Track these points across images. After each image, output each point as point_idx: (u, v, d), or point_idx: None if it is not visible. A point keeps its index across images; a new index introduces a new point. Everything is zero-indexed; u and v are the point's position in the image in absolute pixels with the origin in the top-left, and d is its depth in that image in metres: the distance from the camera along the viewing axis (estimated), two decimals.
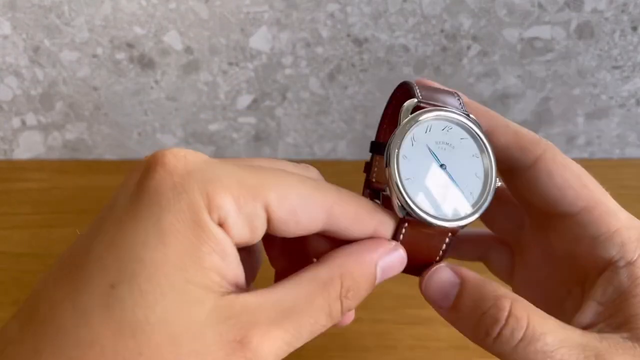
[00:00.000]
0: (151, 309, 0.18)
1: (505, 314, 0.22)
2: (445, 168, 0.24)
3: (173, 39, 0.50)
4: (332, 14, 0.48)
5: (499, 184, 0.24)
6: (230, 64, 0.51)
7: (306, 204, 0.21)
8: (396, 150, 0.24)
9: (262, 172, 0.21)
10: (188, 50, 0.50)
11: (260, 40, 0.50)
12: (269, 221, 0.21)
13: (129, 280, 0.18)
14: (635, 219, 0.25)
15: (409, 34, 0.49)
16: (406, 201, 0.23)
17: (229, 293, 0.20)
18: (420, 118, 0.24)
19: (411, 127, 0.24)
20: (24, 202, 0.53)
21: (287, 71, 0.52)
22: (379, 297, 0.44)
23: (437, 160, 0.24)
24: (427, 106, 0.25)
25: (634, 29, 0.49)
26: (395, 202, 0.24)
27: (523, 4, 0.48)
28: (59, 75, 0.52)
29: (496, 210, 0.28)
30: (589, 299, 0.24)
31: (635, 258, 0.23)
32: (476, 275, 0.24)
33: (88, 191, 0.54)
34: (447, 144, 0.24)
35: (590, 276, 0.25)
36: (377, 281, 0.23)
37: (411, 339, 0.42)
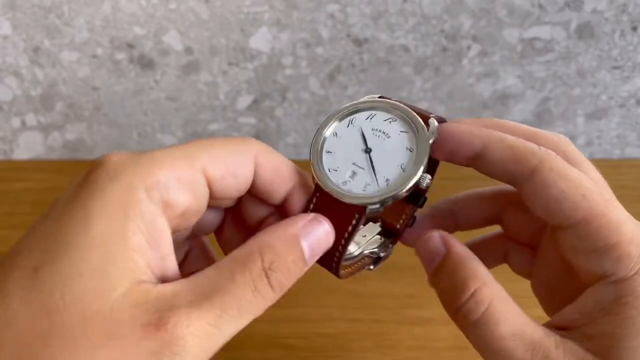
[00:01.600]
0: (68, 289, 0.18)
1: (467, 295, 0.23)
2: (369, 152, 0.25)
3: (173, 39, 0.50)
4: (332, 14, 0.49)
5: (427, 181, 0.24)
6: (230, 64, 0.51)
7: (236, 157, 0.23)
8: (329, 126, 0.25)
9: (191, 144, 0.22)
10: (188, 50, 0.50)
11: (260, 40, 0.50)
12: (209, 184, 0.22)
13: (50, 263, 0.19)
14: None
15: (409, 34, 0.49)
16: (318, 168, 0.25)
17: (149, 281, 0.20)
18: (369, 103, 0.26)
19: (355, 110, 0.26)
20: (23, 202, 0.53)
21: (287, 71, 0.52)
22: (379, 297, 0.44)
23: (365, 144, 0.25)
24: (388, 98, 0.26)
25: (634, 29, 0.49)
26: (311, 169, 0.25)
27: (523, 4, 0.48)
28: (58, 76, 0.52)
29: (516, 214, 0.29)
30: (570, 306, 0.24)
31: (627, 276, 0.23)
32: (463, 250, 0.25)
33: None
34: (383, 132, 0.25)
35: (586, 287, 0.25)
36: (308, 256, 0.23)
37: (411, 339, 0.42)
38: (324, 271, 0.26)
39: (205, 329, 0.19)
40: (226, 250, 0.28)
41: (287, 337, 0.42)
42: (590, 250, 0.23)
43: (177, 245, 0.25)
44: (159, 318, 0.19)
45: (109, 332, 0.18)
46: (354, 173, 0.25)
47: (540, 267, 0.29)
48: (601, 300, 0.23)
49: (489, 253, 0.30)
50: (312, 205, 0.25)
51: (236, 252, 0.22)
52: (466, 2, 0.48)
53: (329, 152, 0.25)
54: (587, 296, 0.24)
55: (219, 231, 0.28)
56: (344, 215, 0.25)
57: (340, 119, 0.26)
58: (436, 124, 0.25)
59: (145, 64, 0.51)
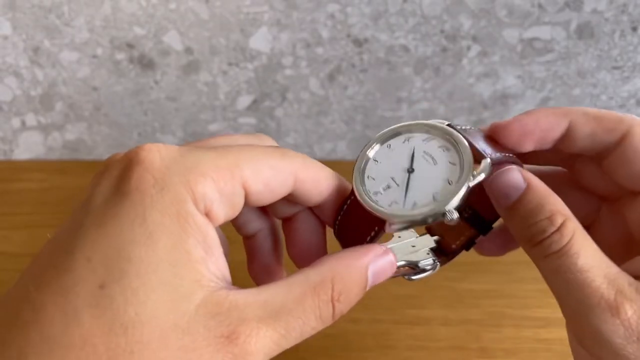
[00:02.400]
0: (142, 305, 0.18)
1: (554, 229, 0.23)
2: (411, 172, 0.25)
3: (173, 40, 0.50)
4: (332, 14, 0.49)
5: (454, 217, 0.24)
6: (230, 64, 0.51)
7: (277, 173, 0.23)
8: (386, 138, 0.26)
9: (233, 152, 0.22)
10: (188, 50, 0.50)
11: (260, 40, 0.50)
12: (246, 195, 0.22)
13: (118, 279, 0.18)
14: None
15: (409, 34, 0.49)
16: (358, 173, 0.25)
17: (219, 289, 0.20)
18: (431, 126, 0.25)
19: (417, 129, 0.26)
20: (23, 202, 0.53)
21: (287, 72, 0.52)
22: (379, 297, 0.44)
23: (411, 163, 0.25)
24: (455, 129, 0.25)
25: (634, 29, 0.49)
26: (353, 170, 0.26)
27: (523, 4, 0.48)
28: (58, 76, 0.52)
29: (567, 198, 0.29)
30: None
31: None
32: (544, 185, 0.24)
33: None
34: (432, 158, 0.25)
35: None
36: (368, 286, 0.23)
37: (411, 339, 0.42)
38: None
39: (270, 346, 0.20)
40: (242, 231, 0.28)
41: None
42: None
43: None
44: (231, 331, 0.19)
45: (186, 346, 0.19)
46: (387, 186, 0.25)
47: (596, 241, 0.29)
48: None
49: None
50: (345, 206, 0.25)
51: (308, 275, 0.22)
52: (466, 2, 0.48)
53: (375, 160, 0.25)
54: None
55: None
56: (367, 224, 0.25)
57: (400, 134, 0.26)
58: (489, 164, 0.24)
59: (145, 64, 0.51)
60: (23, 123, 0.56)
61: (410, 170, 0.25)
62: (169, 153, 0.21)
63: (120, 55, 0.51)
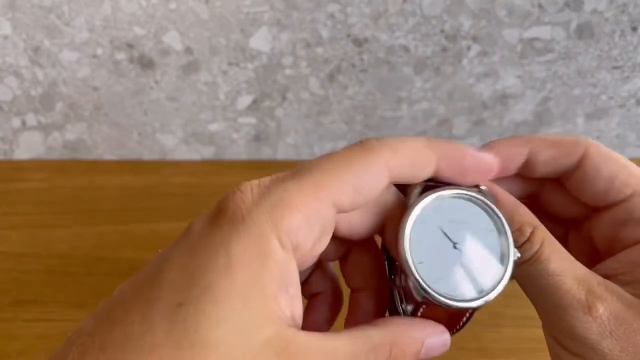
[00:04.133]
0: (213, 330, 0.19)
1: (524, 239, 0.24)
2: (458, 246, 0.24)
3: (173, 40, 0.50)
4: (332, 14, 0.49)
5: (518, 255, 0.24)
6: (230, 64, 0.51)
7: (365, 175, 0.22)
8: (406, 234, 0.23)
9: (314, 170, 0.22)
10: (188, 50, 0.50)
11: (260, 40, 0.50)
12: (339, 210, 0.22)
13: (195, 301, 0.20)
14: None
15: (409, 34, 0.50)
16: (423, 287, 0.23)
17: (288, 327, 0.21)
18: (428, 198, 0.24)
19: (419, 210, 0.24)
20: (24, 202, 0.54)
21: (287, 71, 0.52)
22: None
23: (450, 240, 0.24)
24: (436, 185, 0.24)
25: (634, 29, 0.49)
26: (412, 287, 0.23)
27: (523, 4, 0.48)
28: (59, 76, 0.52)
29: (546, 210, 0.30)
30: (610, 259, 0.26)
31: None
32: (511, 198, 0.26)
33: (88, 191, 0.54)
34: (459, 221, 0.24)
35: None
36: (420, 357, 0.24)
37: None
38: None
39: None
40: (349, 274, 0.28)
41: None
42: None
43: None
44: None
45: None
46: (456, 274, 0.23)
47: None
48: None
49: None
50: (419, 313, 0.24)
51: (371, 333, 0.22)
52: (466, 2, 0.48)
53: (421, 262, 0.23)
54: (627, 251, 0.25)
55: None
56: (457, 314, 0.24)
57: (411, 222, 0.24)
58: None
59: (145, 64, 0.51)
60: (23, 123, 0.56)
61: (457, 245, 0.24)
62: (260, 189, 0.22)
63: (120, 55, 0.51)
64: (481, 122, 0.55)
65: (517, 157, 0.27)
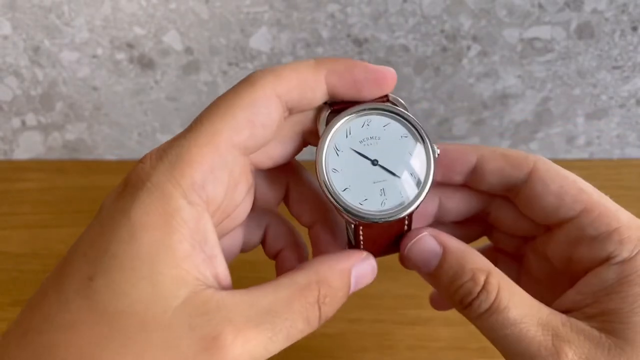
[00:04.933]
0: (123, 299, 0.19)
1: (479, 288, 0.23)
2: (377, 162, 0.24)
3: (173, 39, 0.50)
4: (332, 14, 0.49)
5: (438, 151, 0.24)
6: (230, 64, 0.51)
7: (254, 108, 0.22)
8: (323, 166, 0.24)
9: (204, 119, 0.22)
10: (188, 50, 0.50)
11: (260, 40, 0.50)
12: (242, 149, 0.22)
13: (103, 273, 0.19)
14: (637, 219, 0.25)
15: (409, 34, 0.50)
16: (350, 212, 0.24)
17: (206, 287, 0.20)
18: (335, 125, 0.24)
19: (329, 138, 0.24)
20: (23, 202, 0.54)
21: None
22: (379, 297, 0.44)
23: (367, 158, 0.24)
24: (340, 107, 0.24)
25: (634, 29, 0.49)
26: (344, 214, 0.24)
27: (523, 4, 0.48)
28: (59, 76, 0.52)
29: (497, 231, 0.29)
30: (571, 289, 0.25)
31: (630, 256, 0.23)
32: (459, 244, 0.25)
33: (88, 191, 0.54)
34: (371, 138, 0.24)
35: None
36: (351, 290, 0.24)
37: (411, 339, 0.42)
38: None
39: (256, 349, 0.20)
40: (297, 213, 0.28)
41: None
42: (594, 237, 0.24)
43: (251, 223, 0.26)
44: (218, 332, 0.19)
45: (168, 342, 0.19)
46: (382, 189, 0.24)
47: (527, 277, 0.29)
48: (604, 281, 0.24)
49: None
50: (361, 237, 0.25)
51: (295, 277, 0.22)
52: (466, 2, 0.48)
53: (345, 189, 0.24)
54: (588, 279, 0.24)
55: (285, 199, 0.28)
56: (396, 225, 0.25)
57: (325, 153, 0.24)
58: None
59: (145, 64, 0.51)
60: (23, 123, 0.56)
61: (376, 162, 0.25)
62: (157, 153, 0.21)
63: (120, 55, 0.51)
64: (481, 122, 0.55)
65: (465, 159, 0.26)
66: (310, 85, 0.23)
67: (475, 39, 0.50)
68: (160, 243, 0.20)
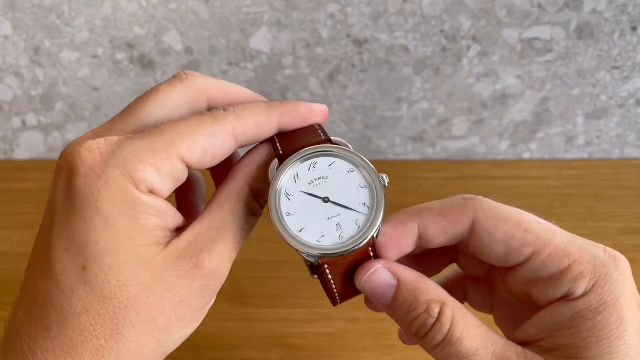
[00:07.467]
0: (119, 275, 0.23)
1: (433, 320, 0.24)
2: (329, 200, 0.25)
3: (173, 40, 0.50)
4: (332, 14, 0.49)
5: (387, 180, 0.25)
6: (230, 64, 0.51)
7: (212, 140, 0.24)
8: (277, 213, 0.25)
9: (167, 132, 0.24)
10: (188, 50, 0.51)
11: (260, 40, 0.50)
12: (188, 166, 0.24)
13: (94, 260, 0.22)
14: (586, 247, 0.25)
15: (409, 34, 0.50)
16: (309, 252, 0.24)
17: (174, 238, 0.24)
18: (282, 173, 0.25)
19: (279, 186, 0.25)
20: (24, 202, 0.54)
21: (287, 71, 0.52)
22: None
23: (318, 197, 0.25)
24: (287, 158, 0.26)
25: (634, 29, 0.49)
26: (305, 258, 0.25)
27: (523, 4, 0.48)
28: (59, 76, 0.52)
29: (465, 259, 0.29)
30: (529, 322, 0.25)
31: (583, 292, 0.23)
32: (413, 275, 0.25)
33: None
34: (319, 178, 0.26)
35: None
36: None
37: None
38: None
39: (228, 254, 0.24)
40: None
41: (287, 336, 0.42)
42: (547, 279, 0.24)
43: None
44: (196, 262, 0.24)
45: (166, 286, 0.23)
46: (337, 224, 0.25)
47: (498, 301, 0.30)
48: (558, 317, 0.24)
49: (450, 294, 0.30)
50: (330, 276, 0.25)
51: (228, 188, 0.25)
52: (466, 2, 0.48)
53: (301, 230, 0.25)
54: (543, 314, 0.25)
55: None
56: (361, 255, 0.25)
57: (278, 200, 0.26)
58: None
59: (146, 64, 0.51)
60: (24, 123, 0.56)
61: (327, 199, 0.26)
62: (108, 146, 0.24)
63: (120, 55, 0.51)
64: (481, 122, 0.55)
65: (406, 235, 0.26)
66: (265, 126, 0.26)
67: (475, 39, 0.50)
68: (134, 224, 0.23)
